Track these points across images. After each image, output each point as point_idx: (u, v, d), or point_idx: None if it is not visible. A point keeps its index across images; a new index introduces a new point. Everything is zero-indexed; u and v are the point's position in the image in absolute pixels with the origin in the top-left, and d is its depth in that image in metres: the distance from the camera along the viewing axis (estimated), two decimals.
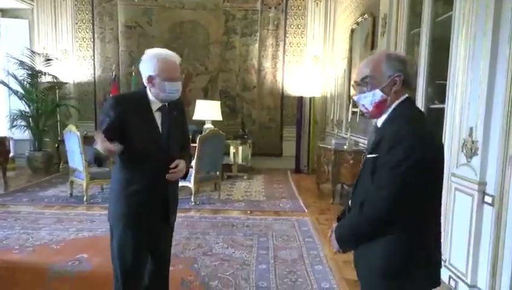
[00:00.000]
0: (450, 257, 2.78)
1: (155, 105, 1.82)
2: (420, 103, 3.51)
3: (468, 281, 2.53)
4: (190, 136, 6.44)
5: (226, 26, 7.52)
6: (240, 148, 6.81)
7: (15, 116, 6.73)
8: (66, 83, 7.46)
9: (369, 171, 1.31)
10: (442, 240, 2.90)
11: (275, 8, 7.55)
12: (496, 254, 2.32)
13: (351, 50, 5.75)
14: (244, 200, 5.20)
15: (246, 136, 6.94)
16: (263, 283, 2.76)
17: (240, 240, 3.62)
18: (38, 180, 6.17)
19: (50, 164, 6.93)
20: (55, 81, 7.11)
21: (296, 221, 4.24)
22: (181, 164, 1.88)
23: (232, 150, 6.72)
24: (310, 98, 7.41)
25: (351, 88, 5.71)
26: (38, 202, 4.87)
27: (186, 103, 7.06)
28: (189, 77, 7.43)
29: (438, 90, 3.25)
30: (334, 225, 1.50)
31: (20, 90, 6.71)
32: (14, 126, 6.73)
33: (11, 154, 6.49)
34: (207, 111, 6.13)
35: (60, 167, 7.04)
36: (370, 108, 1.34)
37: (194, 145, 5.15)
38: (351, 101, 5.45)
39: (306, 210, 4.73)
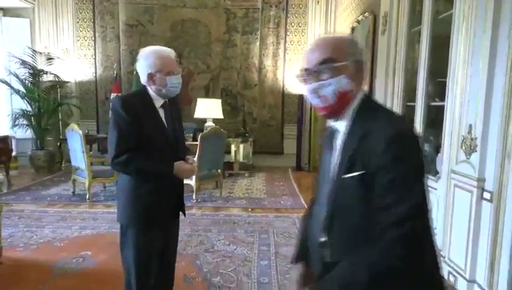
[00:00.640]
0: (449, 253, 2.81)
1: (157, 102, 1.84)
2: (420, 100, 3.54)
3: (467, 276, 2.56)
4: (192, 135, 6.47)
5: (227, 25, 7.54)
6: (241, 146, 6.84)
7: (17, 115, 6.76)
8: (68, 81, 7.49)
9: (355, 195, 0.97)
10: (441, 237, 2.93)
11: (276, 6, 7.57)
12: (494, 249, 2.35)
13: None
14: (246, 197, 5.23)
15: (247, 134, 6.97)
16: (264, 279, 2.79)
17: (241, 237, 3.65)
18: (41, 179, 6.22)
19: (52, 163, 6.96)
20: (56, 80, 7.14)
21: (297, 218, 4.27)
22: (191, 160, 1.94)
23: (233, 148, 6.75)
24: None
25: None
26: (41, 201, 4.90)
27: (188, 101, 7.12)
28: (190, 75, 7.46)
29: (439, 88, 3.27)
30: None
31: (22, 89, 6.74)
32: (16, 125, 6.76)
33: (14, 153, 6.53)
34: (208, 109, 6.15)
35: (62, 165, 7.08)
36: (332, 100, 1.04)
37: (195, 143, 5.19)
38: None
39: (307, 207, 4.75)
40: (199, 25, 7.51)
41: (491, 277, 2.37)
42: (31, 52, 6.88)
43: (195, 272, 2.89)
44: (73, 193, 5.16)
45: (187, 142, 5.71)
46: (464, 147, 2.64)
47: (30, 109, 6.84)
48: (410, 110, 3.82)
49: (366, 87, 1.20)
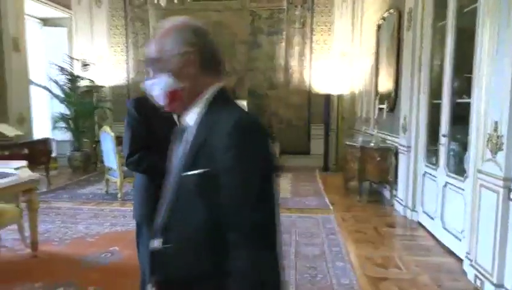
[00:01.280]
0: (476, 256, 2.70)
1: None
2: (446, 97, 3.43)
3: (494, 280, 2.45)
4: None
5: (252, 26, 7.61)
6: None
7: (56, 119, 7.19)
8: (102, 86, 7.85)
9: (195, 195, 0.88)
10: (468, 239, 2.81)
11: (301, 6, 7.54)
12: None
13: (377, 46, 5.65)
14: None
15: (273, 135, 7.00)
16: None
17: None
18: (77, 178, 6.57)
19: (88, 163, 7.33)
20: (92, 85, 7.52)
21: (321, 218, 4.25)
22: None
23: None
24: (338, 96, 7.34)
25: (378, 83, 5.61)
26: (77, 199, 5.19)
27: None
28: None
29: (466, 84, 3.15)
30: None
31: (61, 94, 7.16)
32: (56, 128, 7.19)
33: (54, 154, 6.95)
34: None
35: (97, 166, 7.43)
36: (164, 99, 0.96)
37: None
38: (378, 96, 5.36)
39: (331, 207, 4.72)
40: (224, 27, 7.63)
41: None
42: (69, 59, 7.30)
43: None
44: (107, 192, 5.42)
45: None
46: (489, 145, 2.53)
47: (68, 113, 7.25)
48: (435, 108, 3.71)
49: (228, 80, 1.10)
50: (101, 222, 4.17)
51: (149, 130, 1.82)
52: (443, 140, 3.47)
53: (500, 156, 2.41)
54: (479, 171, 2.67)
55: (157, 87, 0.95)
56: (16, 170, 3.14)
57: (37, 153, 5.54)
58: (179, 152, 0.98)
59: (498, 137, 2.43)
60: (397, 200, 4.57)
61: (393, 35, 4.81)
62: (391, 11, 4.94)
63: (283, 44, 7.59)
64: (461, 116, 3.24)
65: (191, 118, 0.96)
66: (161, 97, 0.96)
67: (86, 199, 5.18)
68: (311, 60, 7.62)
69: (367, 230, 3.90)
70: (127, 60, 8.03)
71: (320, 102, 7.56)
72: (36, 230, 3.26)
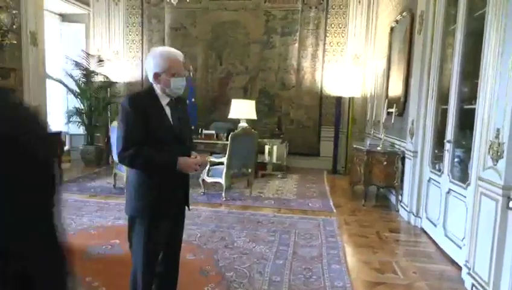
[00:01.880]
0: (474, 264, 2.64)
1: (163, 100, 1.94)
2: (452, 102, 3.36)
3: (490, 289, 2.39)
4: (225, 134, 6.59)
5: (266, 26, 7.62)
6: (275, 147, 6.86)
7: (71, 113, 7.37)
8: (117, 82, 8.01)
9: None
10: (467, 248, 2.74)
11: (316, 7, 7.50)
12: None
13: (390, 49, 5.57)
14: (274, 198, 5.26)
15: (281, 135, 6.99)
16: (277, 277, 2.81)
17: (263, 236, 3.70)
18: (88, 172, 6.72)
19: (101, 157, 7.49)
20: (106, 80, 7.68)
21: (322, 220, 4.22)
22: (199, 157, 2.01)
23: (267, 148, 6.80)
24: (349, 98, 7.27)
25: (389, 87, 5.53)
26: (85, 192, 5.31)
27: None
28: (229, 77, 7.63)
29: (475, 89, 3.06)
30: None
31: (76, 89, 7.34)
32: (70, 122, 7.37)
33: (67, 147, 7.13)
34: (242, 110, 6.25)
35: (110, 160, 7.58)
36: None
37: (226, 142, 5.32)
38: (387, 100, 5.29)
39: (335, 210, 4.68)
40: (238, 26, 7.67)
41: None
42: (85, 55, 7.47)
43: (211, 266, 2.98)
44: (114, 185, 5.52)
45: (220, 141, 5.89)
46: (491, 152, 2.47)
47: (82, 107, 7.43)
48: (443, 114, 3.63)
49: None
50: (105, 215, 4.26)
51: (145, 126, 1.84)
52: (448, 146, 3.40)
53: (501, 164, 2.34)
54: (480, 179, 2.61)
55: None
56: None
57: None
58: None
59: (499, 144, 2.37)
60: (402, 206, 4.50)
61: (405, 38, 4.74)
62: (404, 14, 4.87)
63: (296, 45, 7.57)
64: (468, 123, 3.17)
65: None
66: None
67: (94, 192, 5.29)
68: (324, 61, 7.58)
69: (369, 234, 3.86)
70: (142, 57, 8.15)
71: (331, 104, 7.52)
72: None
